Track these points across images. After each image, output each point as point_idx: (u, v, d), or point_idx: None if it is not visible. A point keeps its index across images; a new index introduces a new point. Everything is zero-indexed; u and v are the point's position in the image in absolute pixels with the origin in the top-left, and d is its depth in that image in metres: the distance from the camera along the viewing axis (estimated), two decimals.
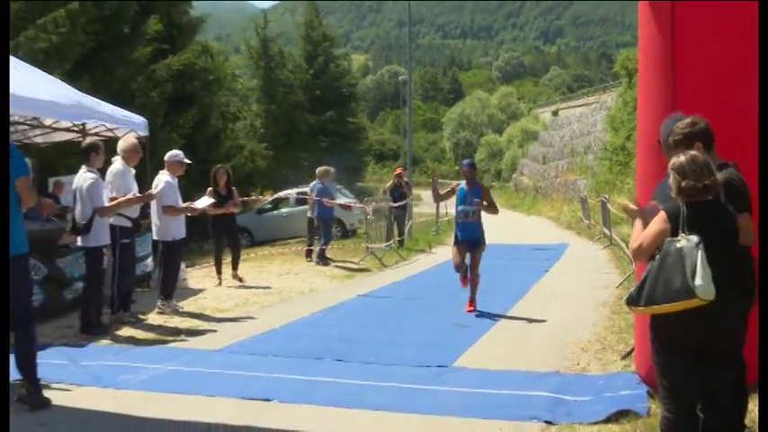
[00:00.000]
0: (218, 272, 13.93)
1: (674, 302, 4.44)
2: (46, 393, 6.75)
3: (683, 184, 4.57)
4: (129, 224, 10.23)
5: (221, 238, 14.05)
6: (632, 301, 4.70)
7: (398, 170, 23.04)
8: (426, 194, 40.46)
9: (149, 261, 12.52)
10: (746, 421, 5.13)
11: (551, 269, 16.58)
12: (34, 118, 10.86)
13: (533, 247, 21.06)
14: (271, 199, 22.76)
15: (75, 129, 12.20)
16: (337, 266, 16.98)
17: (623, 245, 16.33)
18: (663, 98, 6.27)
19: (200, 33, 28.84)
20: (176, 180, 11.27)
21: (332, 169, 19.02)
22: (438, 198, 11.77)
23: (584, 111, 46.44)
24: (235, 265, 14.00)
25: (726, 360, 4.74)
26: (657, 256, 4.56)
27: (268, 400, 6.80)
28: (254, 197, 23.72)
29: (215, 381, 7.39)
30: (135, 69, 22.07)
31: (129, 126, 12.33)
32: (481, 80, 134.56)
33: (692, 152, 4.71)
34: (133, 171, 10.39)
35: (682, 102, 5.81)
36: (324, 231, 17.61)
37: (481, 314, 10.84)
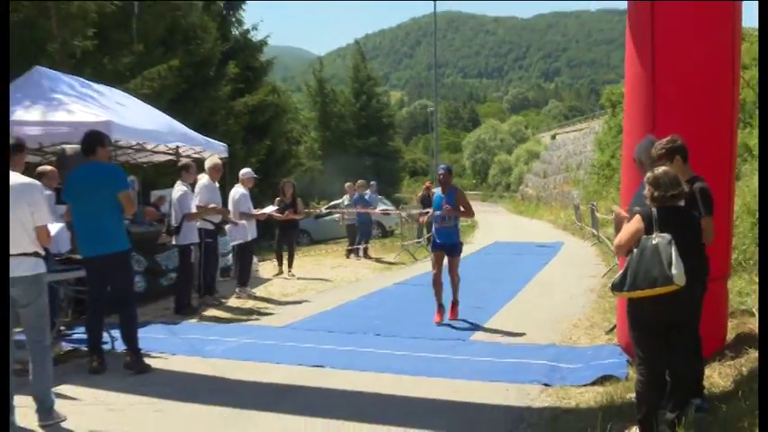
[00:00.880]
0: (279, 263, 14.01)
1: (653, 288, 4.41)
2: (147, 361, 6.83)
3: (656, 193, 4.57)
4: (212, 227, 10.32)
5: (283, 238, 14.10)
6: (616, 288, 4.66)
7: (427, 183, 22.96)
8: None
9: (229, 257, 12.59)
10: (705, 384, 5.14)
11: (550, 262, 16.43)
12: (138, 143, 10.96)
13: (536, 245, 20.89)
14: (324, 209, 22.91)
15: (171, 152, 12.30)
16: (378, 260, 16.99)
17: (608, 242, 16.18)
18: (644, 125, 6.21)
19: (269, 75, 28.93)
20: (249, 192, 11.42)
21: (372, 182, 19.60)
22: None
23: (577, 135, 45.91)
24: (290, 263, 13.94)
25: (687, 335, 4.73)
26: (635, 251, 4.53)
27: (321, 366, 6.82)
28: (312, 209, 23.76)
29: (279, 351, 7.43)
30: (218, 104, 22.16)
31: (213, 149, 12.41)
32: (494, 111, 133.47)
33: (664, 168, 4.71)
34: (217, 185, 10.48)
35: (660, 129, 5.74)
36: (362, 232, 17.64)
37: (491, 299, 10.77)
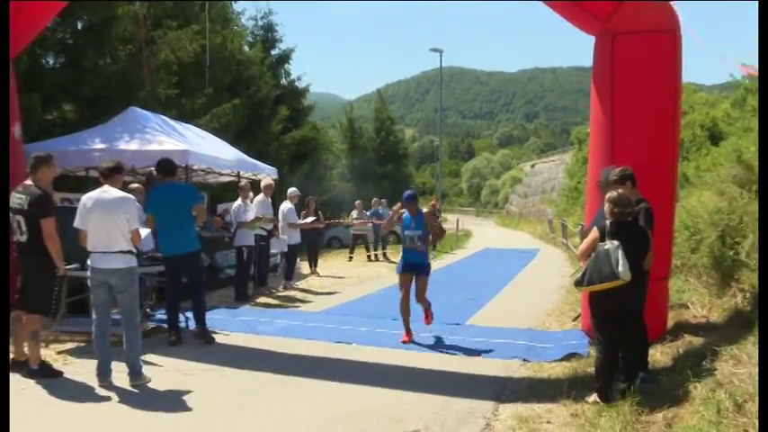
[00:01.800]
0: (309, 264, 13.60)
1: (604, 283, 4.46)
2: (213, 335, 6.91)
3: (615, 210, 4.64)
4: (264, 233, 10.39)
5: (310, 244, 13.65)
6: (578, 283, 4.72)
7: (433, 201, 22.95)
8: (450, 216, 40.32)
9: (278, 257, 12.62)
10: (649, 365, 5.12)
11: (529, 264, 16.37)
12: (208, 167, 11.06)
13: (518, 251, 20.80)
14: (347, 221, 22.93)
15: (233, 174, 12.40)
16: (394, 262, 16.92)
17: (574, 250, 16.08)
18: (604, 158, 6.24)
19: (310, 116, 29.06)
20: (294, 206, 11.47)
21: (383, 200, 19.46)
22: (386, 227, 8.23)
23: (551, 165, 45.57)
24: (315, 264, 13.60)
25: (635, 321, 4.75)
26: (593, 255, 4.59)
27: (350, 343, 6.85)
28: (340, 220, 23.74)
29: (317, 331, 7.45)
30: (271, 138, 22.29)
31: (266, 172, 12.48)
32: (486, 145, 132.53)
33: (620, 191, 4.79)
34: (269, 200, 10.55)
35: (618, 161, 5.78)
36: (377, 239, 17.56)
37: (482, 293, 10.74)
